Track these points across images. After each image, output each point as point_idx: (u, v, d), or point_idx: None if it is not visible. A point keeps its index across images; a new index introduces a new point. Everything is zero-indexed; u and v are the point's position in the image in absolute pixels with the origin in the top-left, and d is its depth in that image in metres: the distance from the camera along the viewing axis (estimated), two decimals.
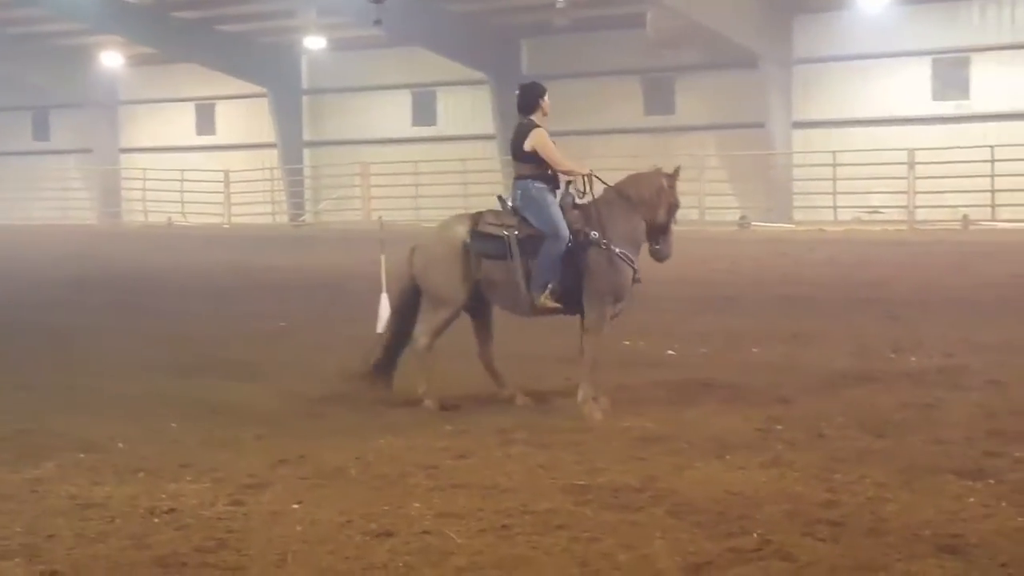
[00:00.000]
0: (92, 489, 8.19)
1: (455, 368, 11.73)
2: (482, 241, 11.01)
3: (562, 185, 11.21)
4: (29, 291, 22.62)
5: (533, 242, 10.92)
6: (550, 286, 10.89)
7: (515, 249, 10.90)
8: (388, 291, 11.48)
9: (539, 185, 11.08)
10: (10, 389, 12.14)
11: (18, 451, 9.35)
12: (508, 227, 10.98)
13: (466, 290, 11.08)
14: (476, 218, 11.19)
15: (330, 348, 14.56)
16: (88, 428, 10.12)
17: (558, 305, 10.98)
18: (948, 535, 6.74)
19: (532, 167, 11.08)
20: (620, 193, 11.27)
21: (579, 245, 10.93)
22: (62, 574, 6.51)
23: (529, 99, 11.26)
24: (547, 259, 10.89)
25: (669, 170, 11.40)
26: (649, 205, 11.20)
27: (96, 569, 6.57)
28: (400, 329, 11.36)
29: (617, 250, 10.95)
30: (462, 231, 11.11)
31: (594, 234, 10.95)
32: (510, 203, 11.17)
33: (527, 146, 11.03)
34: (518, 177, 11.16)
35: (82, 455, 9.21)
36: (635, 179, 11.40)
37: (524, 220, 11.00)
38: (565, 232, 10.90)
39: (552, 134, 11.15)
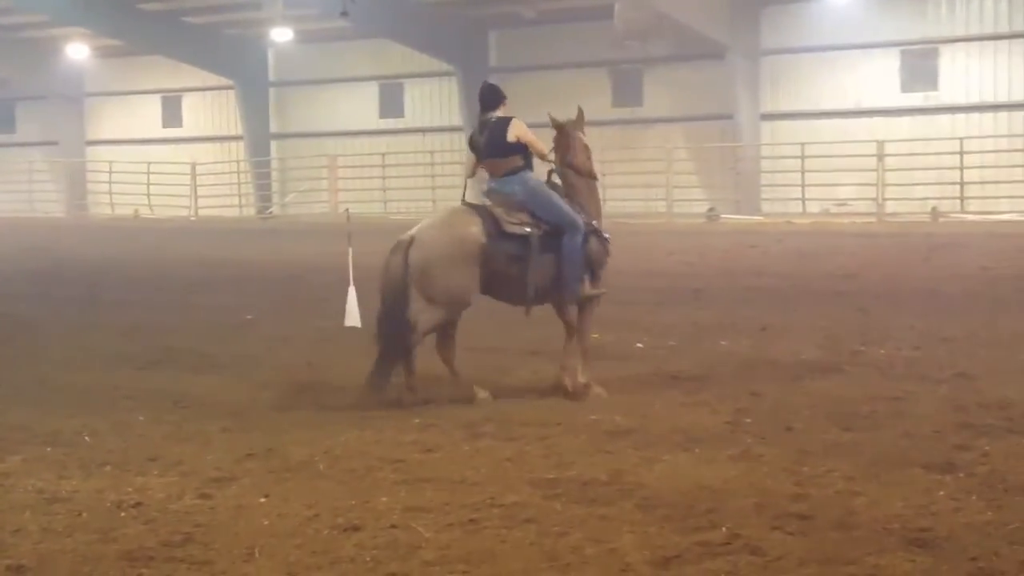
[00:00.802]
0: (59, 483, 8.13)
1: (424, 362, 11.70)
2: (506, 241, 10.70)
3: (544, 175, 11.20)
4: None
5: (549, 238, 10.83)
6: (586, 276, 10.98)
7: (536, 247, 10.77)
8: (379, 290, 10.87)
9: (533, 176, 11.01)
10: None
11: None
12: (526, 224, 10.78)
13: (476, 291, 10.80)
14: (489, 215, 10.75)
15: (296, 341, 14.54)
16: (54, 421, 10.04)
17: (604, 290, 11.22)
18: (917, 529, 6.74)
19: (520, 157, 10.96)
20: (574, 169, 11.28)
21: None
22: (28, 568, 6.46)
23: (496, 97, 11.11)
24: (575, 252, 10.86)
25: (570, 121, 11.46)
26: (591, 170, 11.43)
27: (63, 563, 6.52)
28: (394, 330, 10.63)
29: (606, 235, 11.16)
30: (476, 231, 10.64)
31: (594, 221, 11.03)
32: (514, 197, 10.91)
33: (511, 136, 10.88)
34: (509, 172, 10.92)
35: (48, 449, 9.15)
36: (571, 149, 11.30)
37: (532, 215, 10.85)
38: (580, 223, 10.90)
39: None
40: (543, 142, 11.15)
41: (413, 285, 10.64)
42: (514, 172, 10.94)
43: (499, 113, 11.06)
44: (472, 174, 11.33)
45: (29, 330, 16.01)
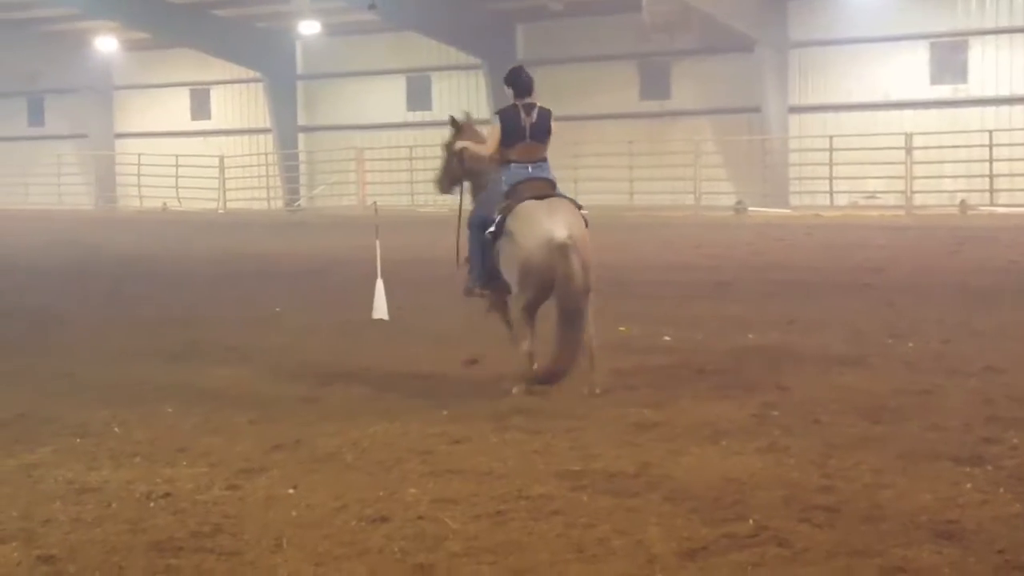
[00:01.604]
0: (88, 474, 8.19)
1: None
2: None
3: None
4: (24, 276, 22.58)
5: None
6: None
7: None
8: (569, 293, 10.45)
9: None
10: (4, 374, 12.13)
11: (14, 436, 9.36)
12: None
13: None
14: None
15: (324, 333, 14.58)
16: (83, 413, 10.11)
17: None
18: (945, 521, 6.73)
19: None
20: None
21: None
22: (59, 558, 6.50)
23: (532, 83, 11.04)
24: None
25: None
26: None
27: (92, 553, 6.56)
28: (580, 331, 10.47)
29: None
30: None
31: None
32: (554, 182, 11.00)
33: (552, 128, 10.97)
34: (542, 159, 10.94)
35: (78, 440, 9.22)
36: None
37: None
38: None
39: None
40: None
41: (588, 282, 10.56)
42: (544, 160, 10.97)
43: (533, 100, 11.04)
44: (495, 151, 11.08)
45: (58, 322, 16.09)
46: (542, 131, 10.91)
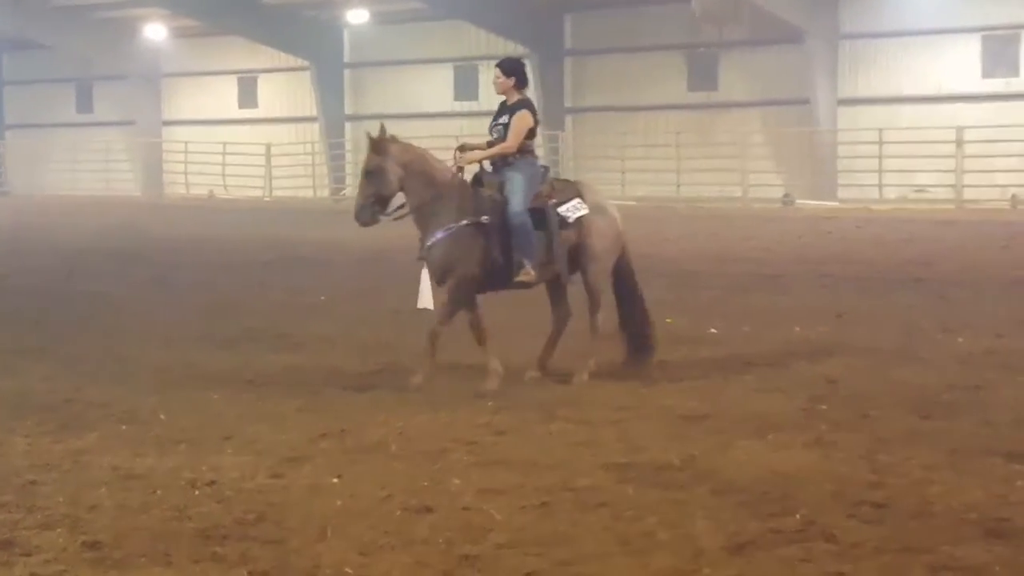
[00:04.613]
0: (134, 460, 8.21)
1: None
2: None
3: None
4: (73, 261, 22.68)
5: None
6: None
7: None
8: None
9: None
10: (53, 359, 12.19)
11: (61, 421, 9.39)
12: None
13: None
14: None
15: (370, 322, 14.58)
16: (131, 399, 10.15)
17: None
18: (996, 519, 6.66)
19: None
20: None
21: None
22: (104, 544, 6.51)
23: None
24: None
25: None
26: None
27: (138, 540, 6.58)
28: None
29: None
30: None
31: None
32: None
33: None
34: None
35: (124, 426, 9.25)
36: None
37: None
38: None
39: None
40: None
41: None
42: None
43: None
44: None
45: (108, 308, 16.16)
46: None
